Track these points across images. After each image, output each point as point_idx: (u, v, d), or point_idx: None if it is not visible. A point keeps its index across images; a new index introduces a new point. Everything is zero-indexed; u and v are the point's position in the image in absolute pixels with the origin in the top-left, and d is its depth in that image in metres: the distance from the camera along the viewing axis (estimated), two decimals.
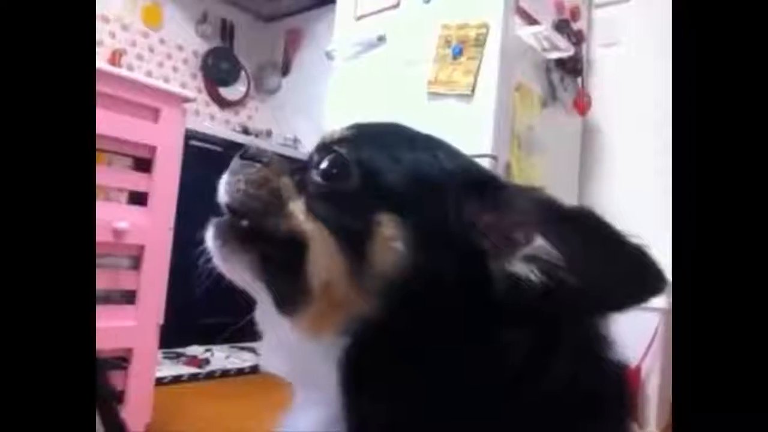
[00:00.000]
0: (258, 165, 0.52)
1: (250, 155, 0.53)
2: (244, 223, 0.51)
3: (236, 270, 0.50)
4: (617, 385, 0.46)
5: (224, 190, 0.52)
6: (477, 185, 0.47)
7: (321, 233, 0.46)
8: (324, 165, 0.49)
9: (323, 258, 0.46)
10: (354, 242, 0.45)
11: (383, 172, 0.47)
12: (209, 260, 0.51)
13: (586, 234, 0.40)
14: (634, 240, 0.39)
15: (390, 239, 0.44)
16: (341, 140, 0.50)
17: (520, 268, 0.41)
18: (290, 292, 0.47)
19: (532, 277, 0.40)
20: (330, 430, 0.44)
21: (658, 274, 0.39)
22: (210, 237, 0.52)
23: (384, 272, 0.44)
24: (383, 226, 0.45)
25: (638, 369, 1.92)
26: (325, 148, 0.51)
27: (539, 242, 0.41)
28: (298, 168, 0.52)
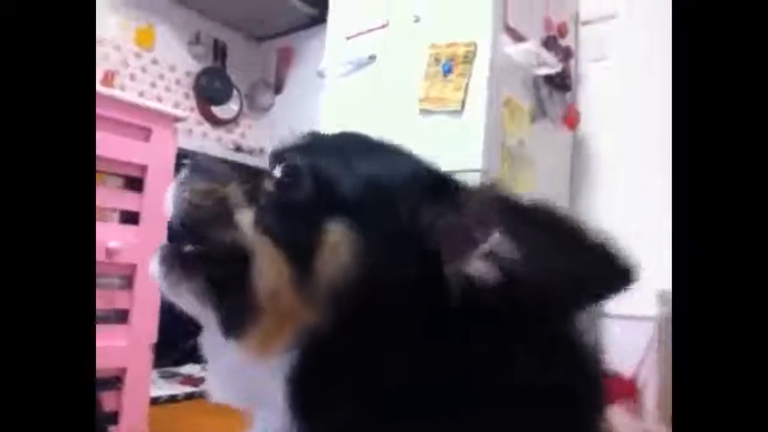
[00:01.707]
0: (205, 175, 0.51)
1: (198, 166, 0.52)
2: (188, 248, 0.49)
3: (183, 296, 0.49)
4: (590, 383, 0.44)
5: (171, 201, 0.50)
6: (433, 188, 0.45)
7: (267, 244, 0.45)
8: (276, 173, 0.48)
9: (268, 269, 0.44)
10: (301, 252, 0.43)
11: (336, 180, 0.45)
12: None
13: (544, 227, 0.39)
14: (598, 233, 0.37)
15: (337, 248, 0.43)
16: (295, 148, 0.49)
17: (476, 267, 0.39)
18: (237, 313, 0.45)
19: (489, 276, 0.39)
20: None
21: (623, 268, 0.37)
22: (155, 263, 0.50)
23: (331, 282, 0.42)
24: (331, 234, 0.43)
25: (634, 378, 1.92)
26: (278, 156, 0.49)
27: (497, 238, 0.39)
28: (249, 178, 0.51)
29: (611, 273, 0.37)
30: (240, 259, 0.45)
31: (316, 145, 0.50)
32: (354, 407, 0.41)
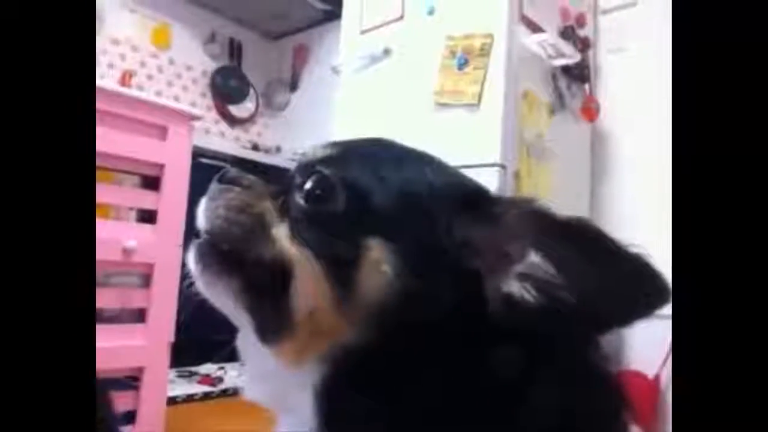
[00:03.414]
0: (237, 189, 0.50)
1: (228, 179, 0.51)
2: (225, 246, 0.48)
3: (219, 295, 0.48)
4: (615, 402, 0.43)
5: (203, 216, 0.50)
6: (467, 201, 0.45)
7: (306, 259, 0.44)
8: (308, 186, 0.46)
9: (309, 285, 0.44)
10: (341, 268, 0.43)
11: (370, 193, 0.45)
12: (192, 283, 0.49)
13: (582, 248, 0.38)
14: (635, 250, 0.37)
15: (378, 264, 0.42)
16: (325, 160, 0.48)
17: (514, 287, 0.39)
18: (273, 321, 0.45)
19: (527, 296, 0.38)
20: None
21: (660, 285, 0.37)
22: (191, 260, 0.49)
23: (372, 299, 0.42)
24: (371, 250, 0.43)
25: (657, 379, 1.88)
26: (307, 167, 0.48)
27: (534, 258, 0.39)
28: (280, 190, 0.50)
29: (650, 291, 0.37)
30: (279, 272, 0.45)
31: (344, 154, 0.49)
32: (383, 424, 0.41)
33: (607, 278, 0.37)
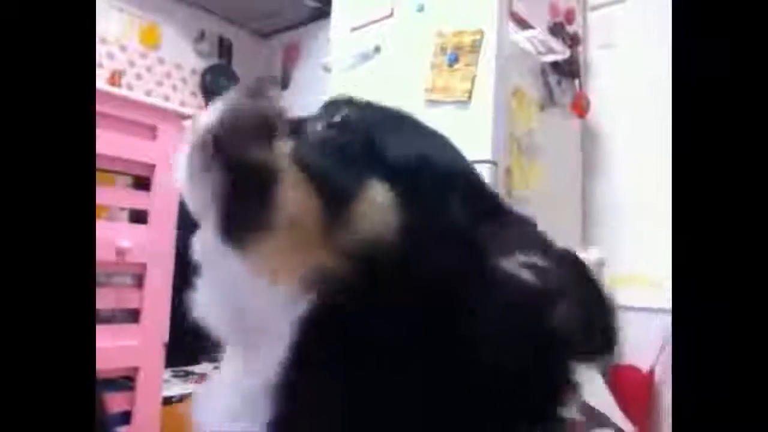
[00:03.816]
0: (262, 97, 0.50)
1: (253, 87, 0.51)
2: (220, 139, 0.46)
3: (197, 186, 0.46)
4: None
5: (213, 111, 0.48)
6: (479, 189, 0.46)
7: (300, 174, 0.44)
8: (326, 116, 0.47)
9: (295, 196, 0.43)
10: (335, 193, 0.42)
11: (387, 142, 0.45)
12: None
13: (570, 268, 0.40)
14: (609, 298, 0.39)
15: (375, 202, 0.42)
16: (353, 102, 0.48)
17: (514, 267, 0.40)
18: (246, 221, 0.43)
19: (524, 275, 0.39)
20: (252, 407, 0.40)
21: (609, 338, 0.39)
22: (185, 150, 0.47)
23: (361, 234, 0.41)
24: (372, 189, 0.42)
25: (651, 373, 1.90)
26: (333, 104, 0.48)
27: (526, 257, 0.40)
28: (300, 117, 0.50)
29: (604, 337, 0.39)
30: (267, 179, 0.43)
31: (374, 107, 0.49)
32: (353, 374, 0.39)
33: (584, 307, 0.39)
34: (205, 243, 0.47)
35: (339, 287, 0.40)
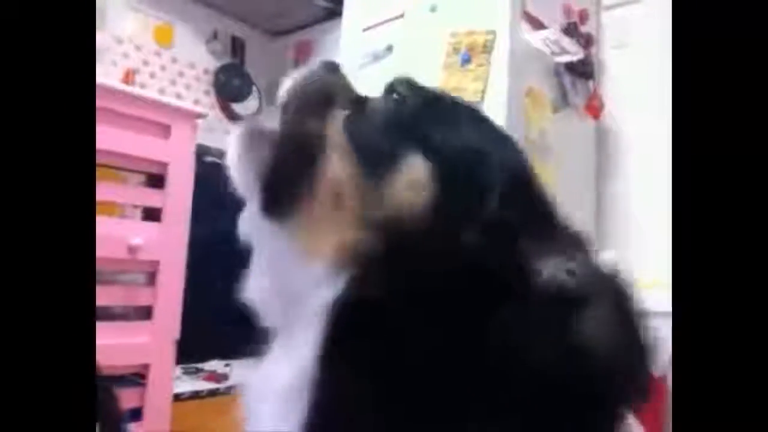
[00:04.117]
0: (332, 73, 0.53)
1: (328, 63, 0.54)
2: (270, 125, 0.50)
3: (245, 165, 0.49)
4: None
5: (287, 80, 0.53)
6: (531, 191, 0.45)
7: (344, 143, 0.46)
8: (383, 93, 0.49)
9: (338, 165, 0.44)
10: (375, 167, 0.43)
11: (436, 123, 0.46)
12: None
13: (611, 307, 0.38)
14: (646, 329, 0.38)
15: (413, 179, 0.42)
16: (408, 82, 0.50)
17: (551, 268, 0.38)
18: (288, 192, 0.44)
19: (565, 278, 0.38)
20: (296, 393, 0.39)
21: (642, 383, 0.38)
22: (235, 133, 0.51)
23: (395, 209, 0.41)
24: (411, 164, 0.43)
25: (663, 378, 1.87)
26: (393, 83, 0.50)
27: (565, 261, 0.39)
28: (365, 96, 0.53)
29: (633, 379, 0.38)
30: (313, 147, 0.46)
31: (435, 92, 0.51)
32: (381, 379, 0.38)
33: (628, 347, 0.38)
34: (250, 221, 0.49)
35: (373, 267, 0.40)
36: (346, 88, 0.53)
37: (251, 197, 0.48)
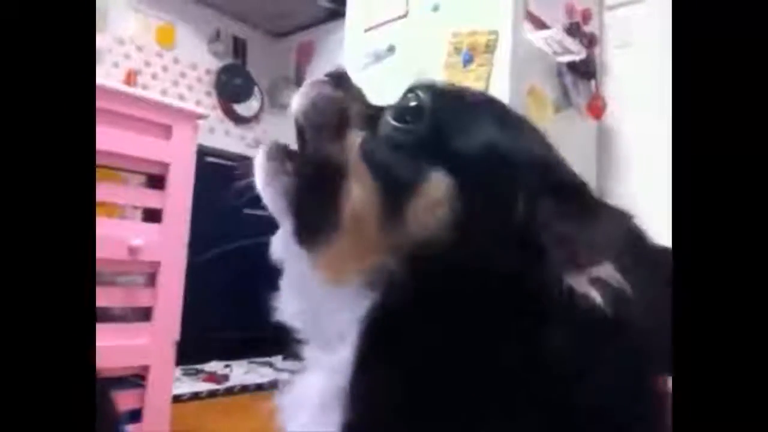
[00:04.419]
0: (339, 87, 0.51)
1: (337, 75, 0.52)
2: (293, 147, 0.50)
3: (273, 192, 0.49)
4: (653, 407, 0.40)
5: (297, 100, 0.51)
6: (563, 187, 0.42)
7: (365, 169, 0.44)
8: (399, 105, 0.47)
9: (359, 193, 0.43)
10: (397, 189, 0.42)
11: (455, 132, 0.44)
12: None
13: (663, 282, 0.36)
14: None
15: (435, 198, 0.41)
16: (429, 87, 0.48)
17: (581, 285, 0.37)
18: (314, 222, 0.45)
19: (597, 299, 0.36)
20: (330, 406, 0.40)
21: None
22: (260, 155, 0.50)
23: (419, 230, 0.40)
24: (433, 185, 0.41)
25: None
26: (411, 90, 0.48)
27: (610, 270, 0.37)
28: (379, 105, 0.51)
29: None
30: (335, 174, 0.45)
31: (451, 91, 0.49)
32: (411, 391, 0.38)
33: None
34: (284, 244, 0.49)
35: (398, 289, 0.40)
36: (359, 101, 0.51)
37: (283, 222, 0.49)
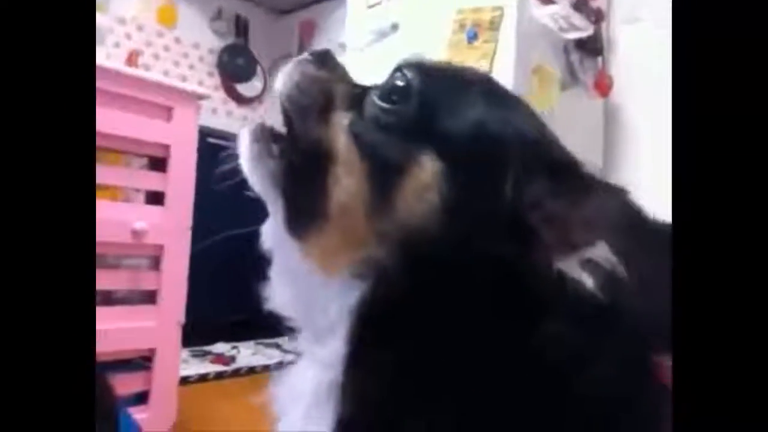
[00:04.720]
0: (324, 66, 0.49)
1: (320, 54, 0.51)
2: (280, 129, 0.48)
3: (261, 177, 0.47)
4: (657, 393, 0.39)
5: (281, 79, 0.49)
6: (554, 166, 0.40)
7: (353, 153, 0.43)
8: (386, 85, 0.45)
9: (346, 180, 0.42)
10: (385, 173, 0.41)
11: (443, 111, 0.42)
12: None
13: (662, 255, 0.34)
14: None
15: (423, 182, 0.40)
16: (416, 65, 0.46)
17: (572, 269, 0.35)
18: (304, 210, 0.43)
19: (587, 283, 0.35)
20: (324, 399, 0.39)
21: None
22: (244, 137, 0.48)
23: (408, 217, 0.39)
24: (422, 167, 0.40)
25: None
26: (398, 69, 0.46)
27: (604, 250, 0.35)
28: (365, 85, 0.49)
29: None
30: (323, 158, 0.44)
31: (438, 69, 0.47)
32: (404, 380, 0.37)
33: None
34: (273, 232, 0.48)
35: (388, 279, 0.39)
36: (345, 81, 0.49)
37: (272, 208, 0.47)
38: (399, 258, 0.39)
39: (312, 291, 0.44)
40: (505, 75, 1.70)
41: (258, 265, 0.50)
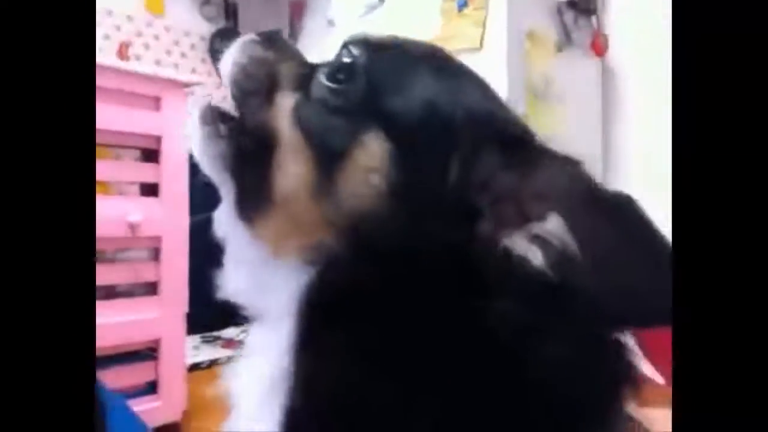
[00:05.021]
0: (270, 47, 0.48)
1: (267, 35, 0.49)
2: (229, 110, 0.47)
3: (211, 159, 0.46)
4: (617, 372, 0.38)
5: (227, 60, 0.48)
6: (505, 140, 0.39)
7: (296, 136, 0.42)
8: (333, 63, 0.44)
9: (290, 165, 0.41)
10: (329, 156, 0.40)
11: (389, 90, 0.41)
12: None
13: (618, 228, 0.33)
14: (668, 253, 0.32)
15: (367, 163, 0.39)
16: (363, 42, 0.44)
17: (520, 245, 0.34)
18: (253, 194, 0.43)
19: (534, 261, 0.33)
20: (276, 389, 0.38)
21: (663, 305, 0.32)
22: (194, 120, 0.47)
23: (353, 204, 0.38)
24: (366, 150, 0.39)
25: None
26: (344, 46, 0.45)
27: (554, 222, 0.34)
28: (314, 63, 0.47)
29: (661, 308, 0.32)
30: (268, 142, 0.43)
31: (386, 45, 0.45)
32: (352, 367, 0.37)
33: (638, 271, 0.32)
34: (225, 217, 0.46)
35: (336, 264, 0.38)
36: (294, 61, 0.48)
37: (223, 193, 0.46)
38: (347, 243, 0.38)
39: (264, 277, 0.43)
40: (497, 41, 1.67)
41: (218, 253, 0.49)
